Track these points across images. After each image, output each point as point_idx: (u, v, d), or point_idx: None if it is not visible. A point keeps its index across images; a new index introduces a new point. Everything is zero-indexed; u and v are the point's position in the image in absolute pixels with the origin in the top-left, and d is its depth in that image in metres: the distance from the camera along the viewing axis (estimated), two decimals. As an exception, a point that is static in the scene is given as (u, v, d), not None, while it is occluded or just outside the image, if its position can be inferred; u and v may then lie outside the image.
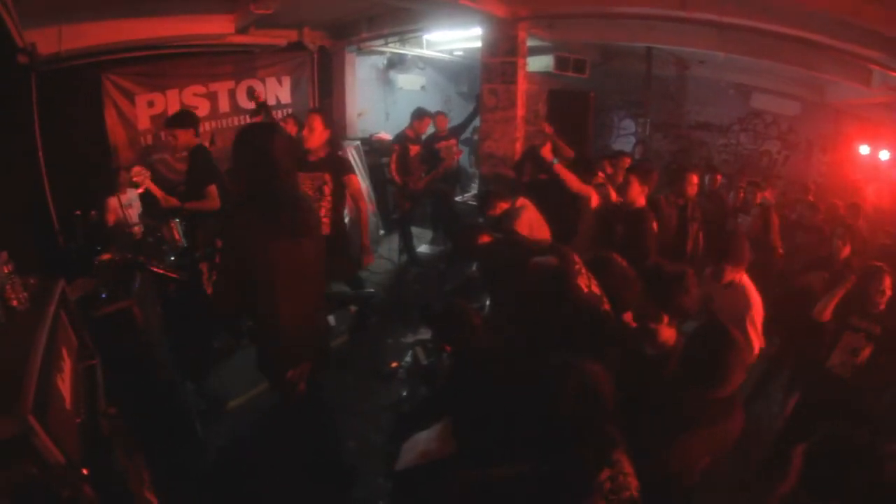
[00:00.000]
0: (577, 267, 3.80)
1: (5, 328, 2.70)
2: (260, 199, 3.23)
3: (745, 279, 4.22)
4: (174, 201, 5.85)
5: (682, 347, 2.99)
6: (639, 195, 5.43)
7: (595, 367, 2.48)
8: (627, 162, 7.00)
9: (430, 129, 9.10)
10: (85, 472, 2.24)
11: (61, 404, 2.49)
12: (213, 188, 5.61)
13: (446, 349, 3.77)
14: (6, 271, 2.93)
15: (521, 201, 5.75)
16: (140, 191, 6.31)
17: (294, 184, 3.52)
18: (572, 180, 5.81)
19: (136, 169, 6.22)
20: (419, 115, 8.78)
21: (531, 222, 5.59)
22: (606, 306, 3.77)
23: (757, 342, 3.99)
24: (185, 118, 5.86)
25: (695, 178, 6.23)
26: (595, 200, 5.86)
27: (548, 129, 7.15)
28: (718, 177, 8.38)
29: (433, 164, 8.96)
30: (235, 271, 3.23)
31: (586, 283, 3.74)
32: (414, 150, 8.80)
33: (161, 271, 4.62)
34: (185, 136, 5.73)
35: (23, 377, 2.16)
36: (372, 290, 7.23)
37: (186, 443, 4.48)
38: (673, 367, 3.08)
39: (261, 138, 3.31)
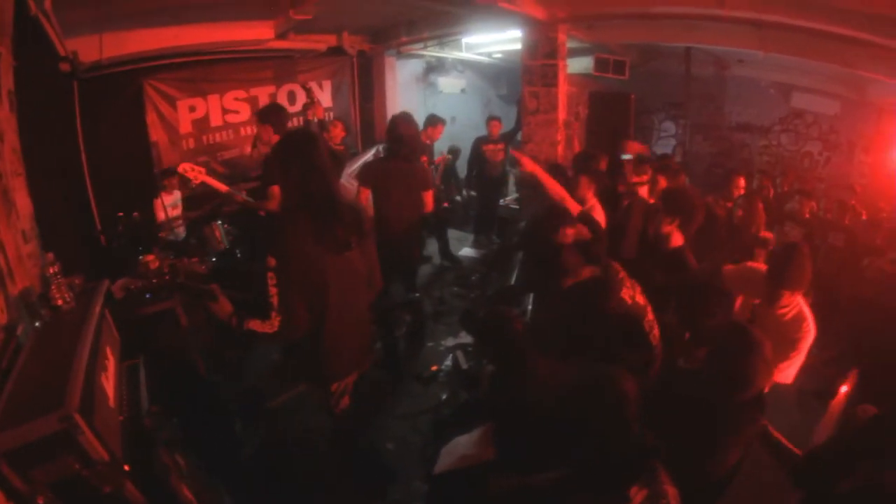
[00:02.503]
0: (620, 276, 3.75)
1: (52, 327, 2.76)
2: (310, 209, 3.11)
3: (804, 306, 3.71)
4: (238, 196, 5.86)
5: (706, 353, 2.93)
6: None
7: (626, 381, 2.46)
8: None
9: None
10: (127, 468, 2.28)
11: (105, 402, 2.54)
12: (275, 189, 5.45)
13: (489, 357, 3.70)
14: (52, 272, 3.01)
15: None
16: (195, 183, 6.23)
17: (338, 191, 3.38)
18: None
19: (185, 165, 6.16)
20: (433, 122, 9.05)
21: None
22: (651, 317, 3.72)
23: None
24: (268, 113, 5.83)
25: (741, 181, 6.17)
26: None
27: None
28: (766, 182, 8.23)
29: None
30: (299, 284, 3.09)
31: (630, 295, 3.70)
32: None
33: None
34: (266, 132, 5.69)
35: (69, 375, 2.22)
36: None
37: (226, 441, 4.54)
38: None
39: (307, 147, 3.21)
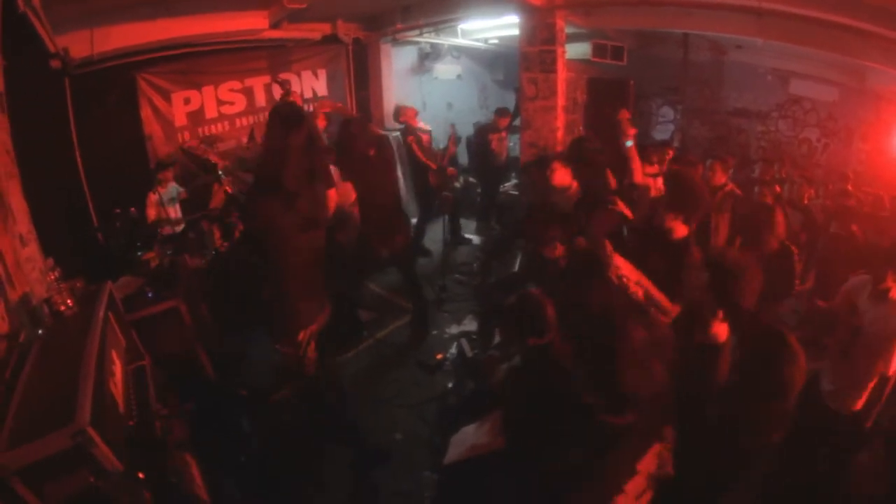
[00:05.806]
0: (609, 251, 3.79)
1: (56, 334, 2.71)
2: (280, 187, 3.39)
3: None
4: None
5: (739, 360, 2.86)
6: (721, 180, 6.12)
7: None
8: (671, 154, 6.88)
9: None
10: (141, 476, 2.24)
11: (115, 409, 2.50)
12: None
13: (529, 342, 3.57)
14: (52, 278, 2.95)
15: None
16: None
17: (313, 172, 3.62)
18: (638, 168, 5.58)
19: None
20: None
21: None
22: (633, 288, 3.74)
23: None
24: None
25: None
26: (653, 191, 5.69)
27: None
28: (770, 171, 8.20)
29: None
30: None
31: (616, 275, 3.74)
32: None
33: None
34: None
35: (78, 386, 2.16)
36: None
37: (233, 436, 4.52)
38: (724, 368, 2.96)
39: (285, 127, 3.43)
